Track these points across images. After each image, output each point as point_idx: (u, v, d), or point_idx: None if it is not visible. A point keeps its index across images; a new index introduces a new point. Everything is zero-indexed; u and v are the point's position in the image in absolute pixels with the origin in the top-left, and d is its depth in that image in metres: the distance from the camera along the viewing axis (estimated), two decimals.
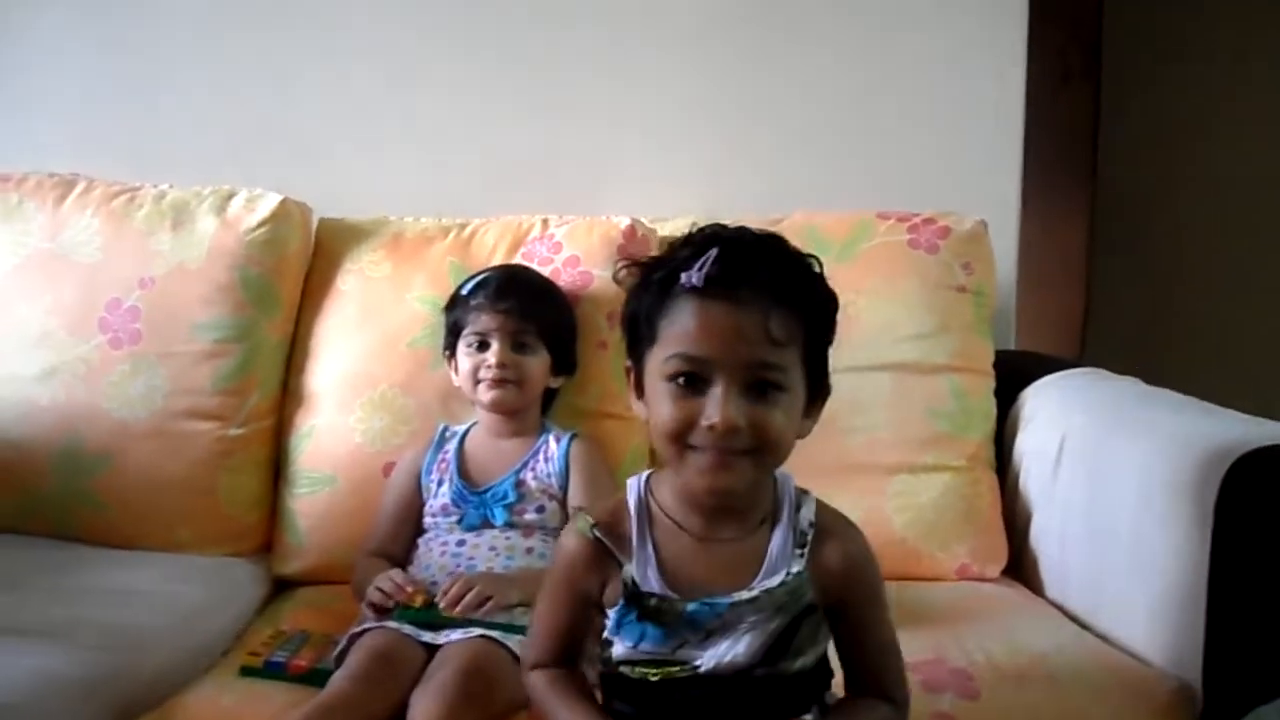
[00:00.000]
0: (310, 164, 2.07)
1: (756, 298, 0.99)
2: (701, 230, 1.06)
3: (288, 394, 1.77)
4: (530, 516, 1.52)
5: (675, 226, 1.83)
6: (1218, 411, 1.49)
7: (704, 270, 0.99)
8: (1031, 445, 1.73)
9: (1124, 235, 2.73)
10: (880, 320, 1.75)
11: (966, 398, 1.76)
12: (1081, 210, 2.48)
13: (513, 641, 1.31)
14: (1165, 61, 2.80)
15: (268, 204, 1.77)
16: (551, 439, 1.58)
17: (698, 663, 1.04)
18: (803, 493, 1.10)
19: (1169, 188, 2.82)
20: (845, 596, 1.07)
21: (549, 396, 1.65)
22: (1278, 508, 1.21)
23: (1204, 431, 1.37)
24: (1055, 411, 1.71)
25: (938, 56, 2.12)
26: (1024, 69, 2.12)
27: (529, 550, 1.50)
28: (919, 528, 1.67)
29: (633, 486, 1.11)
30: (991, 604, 1.57)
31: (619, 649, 1.06)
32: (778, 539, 1.07)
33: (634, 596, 1.05)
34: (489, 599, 1.34)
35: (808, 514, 1.08)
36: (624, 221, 1.79)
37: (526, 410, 1.60)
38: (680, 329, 1.01)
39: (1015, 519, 1.73)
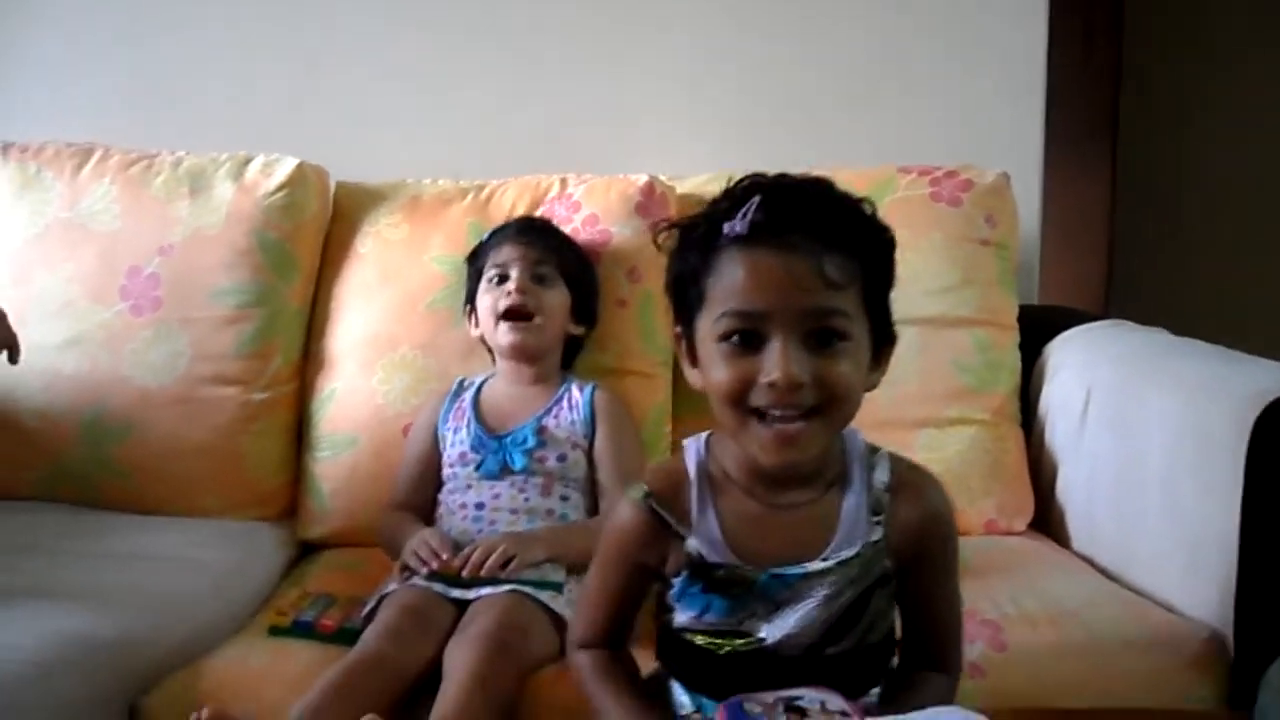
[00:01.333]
0: (327, 129, 2.06)
1: (807, 241, 0.92)
2: (740, 181, 0.99)
3: (309, 358, 1.77)
4: (551, 464, 1.51)
5: (694, 183, 1.82)
6: (1245, 359, 1.46)
7: (748, 217, 0.93)
8: (1057, 398, 1.72)
9: (1147, 189, 2.70)
10: (903, 274, 1.65)
11: (991, 351, 1.74)
12: (1104, 165, 2.45)
13: (545, 596, 1.31)
14: (1189, 17, 2.76)
15: (285, 168, 1.76)
16: (574, 388, 1.57)
17: (763, 635, 0.99)
18: (873, 450, 1.03)
19: (1192, 142, 2.79)
20: (919, 554, 1.01)
21: (569, 350, 1.64)
22: None
23: (1232, 379, 1.35)
24: (1081, 364, 1.69)
25: (960, 10, 2.09)
26: (1046, 23, 2.09)
27: (549, 512, 1.48)
28: (945, 482, 1.63)
29: (691, 449, 1.05)
30: (1019, 557, 1.56)
31: (680, 617, 1.02)
32: (850, 505, 1.00)
33: (699, 568, 0.99)
34: (512, 559, 1.34)
35: (882, 475, 1.01)
36: (642, 179, 1.78)
37: (546, 355, 1.59)
38: (729, 284, 0.94)
39: (1041, 473, 1.72)
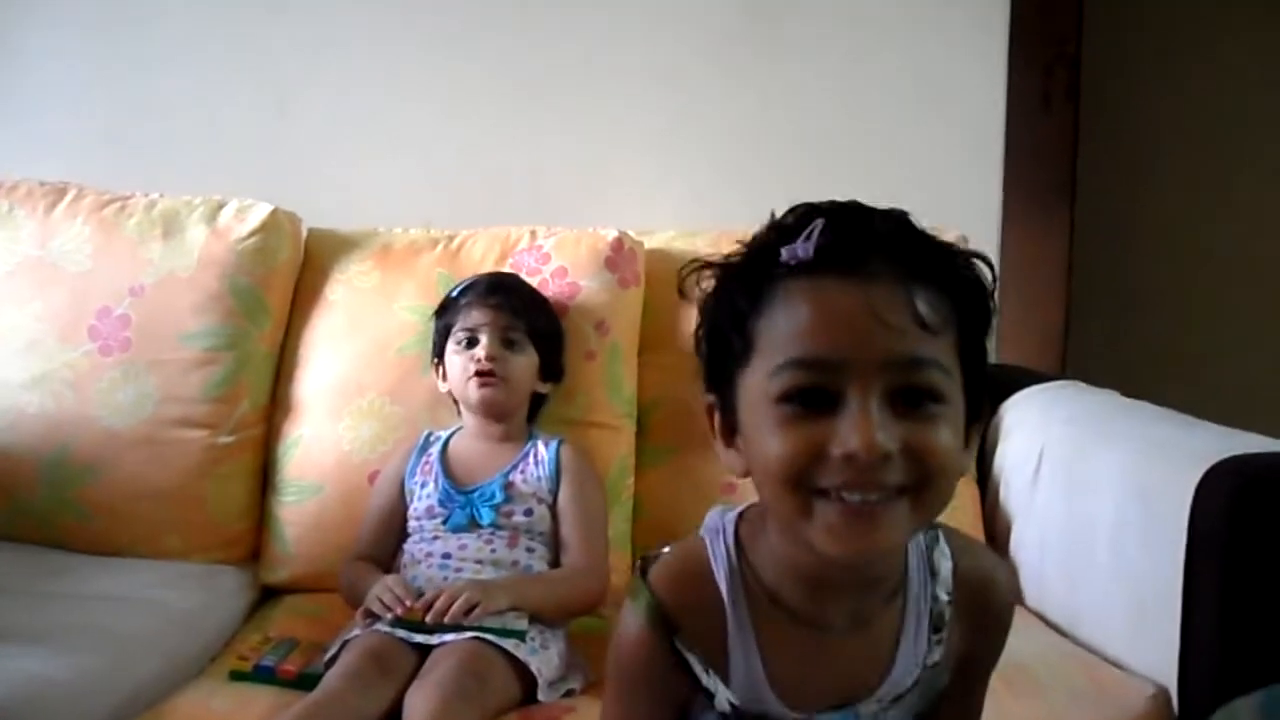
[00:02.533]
0: (300, 175, 2.08)
1: (891, 269, 0.72)
2: (794, 208, 0.78)
3: (276, 403, 1.77)
4: (518, 519, 1.52)
5: (662, 239, 1.86)
6: (1192, 422, 1.51)
7: (813, 240, 0.73)
8: (1012, 457, 1.75)
9: (1104, 251, 2.76)
10: None
11: None
12: (1062, 226, 2.52)
13: (508, 644, 1.32)
14: (1144, 81, 2.84)
15: (258, 214, 1.78)
16: (540, 443, 1.59)
17: None
18: (934, 540, 0.84)
19: (1149, 205, 2.86)
20: (968, 658, 0.84)
21: (535, 405, 1.66)
22: (1249, 515, 1.23)
23: (1178, 441, 1.40)
24: (1035, 423, 1.73)
25: (920, 73, 2.15)
26: (1004, 87, 2.15)
27: (514, 564, 1.50)
28: None
29: (718, 549, 0.81)
30: None
31: None
32: (910, 625, 0.81)
33: (733, 717, 0.81)
34: (476, 606, 1.34)
35: (945, 578, 0.82)
36: (612, 233, 1.81)
37: (514, 413, 1.61)
38: (789, 327, 0.73)
39: (996, 529, 1.75)
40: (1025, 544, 1.68)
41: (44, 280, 1.75)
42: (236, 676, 1.35)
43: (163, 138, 2.12)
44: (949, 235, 1.82)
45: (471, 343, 1.57)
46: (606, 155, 2.14)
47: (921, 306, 0.72)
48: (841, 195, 2.10)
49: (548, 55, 2.14)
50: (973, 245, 1.82)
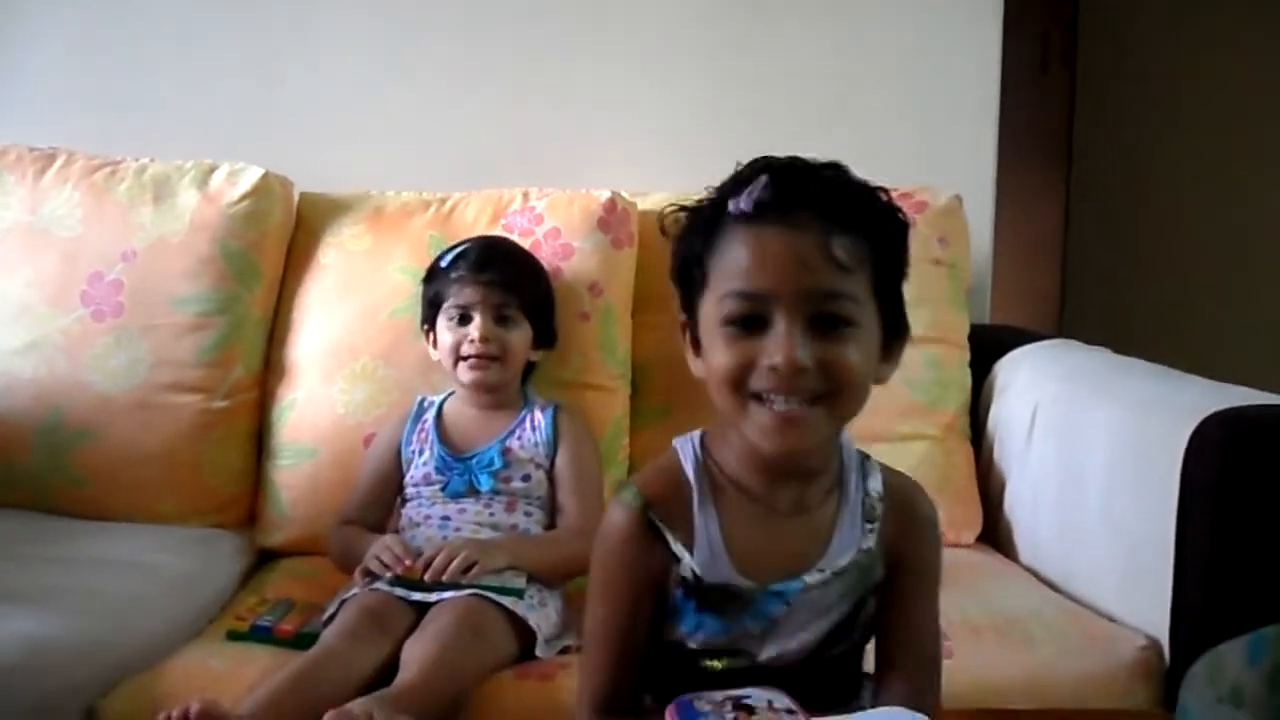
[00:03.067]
0: (292, 139, 2.06)
1: (815, 220, 0.88)
2: (750, 163, 0.94)
3: (270, 366, 1.77)
4: (516, 484, 1.53)
5: (655, 200, 1.85)
6: (1182, 378, 1.52)
7: (754, 195, 0.89)
8: (1005, 415, 1.76)
9: (1099, 212, 2.76)
10: None
11: (942, 369, 1.78)
12: (1057, 188, 2.51)
13: (506, 601, 1.32)
14: (1140, 43, 2.83)
15: (249, 178, 1.77)
16: (536, 409, 1.59)
17: (757, 653, 0.95)
18: (865, 457, 1.01)
19: (1142, 166, 2.86)
20: (907, 562, 0.98)
21: (528, 368, 1.65)
22: (1241, 467, 1.24)
23: (1169, 396, 1.41)
24: (1027, 382, 1.74)
25: (916, 33, 2.14)
26: (1000, 47, 2.14)
27: (513, 526, 1.50)
28: None
29: (685, 449, 0.98)
30: (967, 569, 1.60)
31: (675, 631, 0.96)
32: (846, 512, 0.97)
33: (695, 587, 0.94)
34: (474, 564, 1.35)
35: (875, 484, 0.98)
36: (604, 194, 1.80)
37: (508, 385, 1.60)
38: (732, 264, 0.90)
39: (990, 487, 1.76)
40: (1019, 501, 1.69)
41: (35, 246, 1.74)
42: (234, 636, 1.36)
43: (154, 102, 2.10)
44: (943, 197, 1.86)
45: (464, 319, 1.56)
46: (600, 117, 2.13)
47: (837, 250, 0.88)
48: (837, 157, 2.10)
49: (542, 18, 2.12)
50: (968, 206, 1.87)
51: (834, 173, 0.93)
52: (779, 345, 0.87)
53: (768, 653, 0.95)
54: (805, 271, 0.88)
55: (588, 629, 0.99)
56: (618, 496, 0.97)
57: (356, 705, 1.07)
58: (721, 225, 0.92)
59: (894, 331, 0.95)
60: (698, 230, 0.94)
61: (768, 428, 0.89)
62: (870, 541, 0.96)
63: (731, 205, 0.90)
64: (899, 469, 1.58)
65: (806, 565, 0.95)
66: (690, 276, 0.95)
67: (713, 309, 0.92)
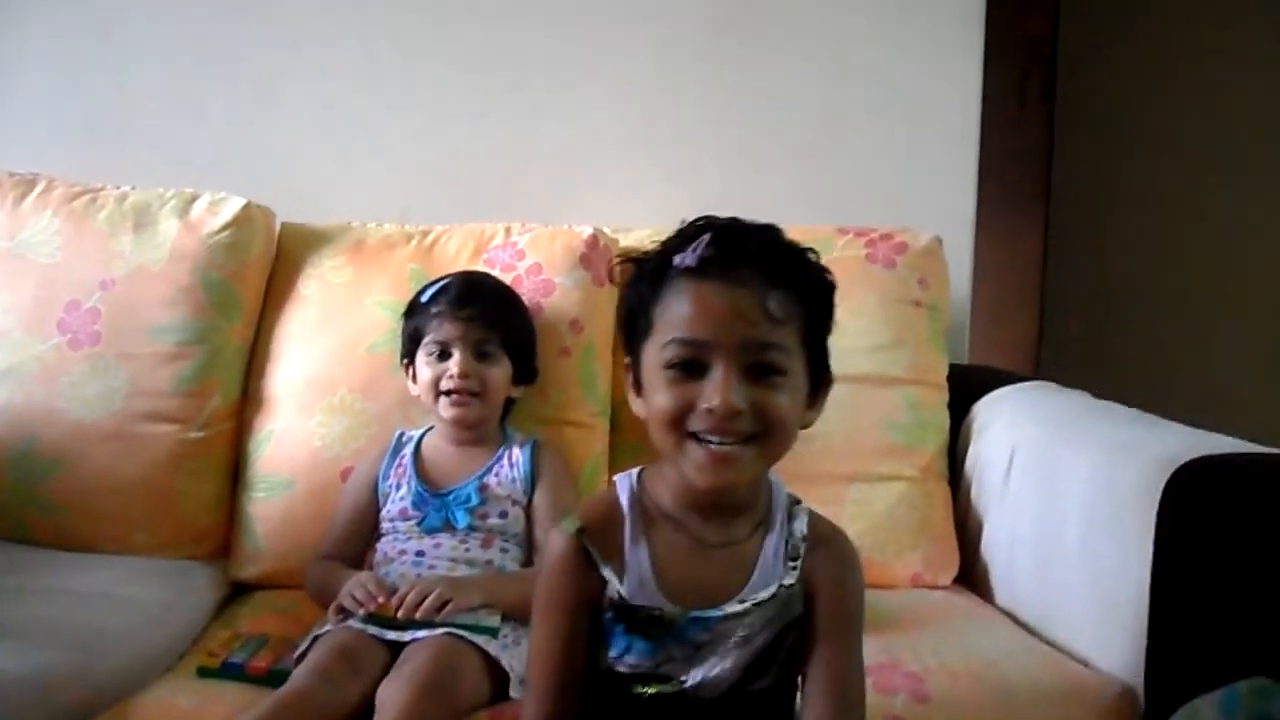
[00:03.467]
0: (274, 170, 2.07)
1: (753, 277, 0.97)
2: (694, 221, 1.03)
3: (248, 398, 1.76)
4: (493, 521, 1.52)
5: (637, 237, 1.85)
6: (1161, 424, 1.53)
7: (698, 252, 0.97)
8: (983, 457, 1.77)
9: (1077, 253, 2.78)
10: (838, 332, 1.75)
11: (921, 410, 1.79)
12: (1036, 230, 2.53)
13: (479, 640, 1.31)
14: (1119, 82, 2.87)
15: (231, 208, 1.77)
16: (515, 446, 1.58)
17: (683, 678, 1.01)
18: (795, 502, 1.07)
19: (1122, 206, 2.88)
20: (827, 606, 1.03)
21: (508, 405, 1.65)
22: (1217, 516, 1.24)
23: (1147, 442, 1.41)
24: (1006, 424, 1.74)
25: (896, 76, 2.16)
26: (980, 91, 2.16)
27: (488, 563, 1.49)
28: (874, 536, 1.70)
29: (623, 483, 1.07)
30: (943, 611, 1.60)
31: (608, 654, 1.02)
32: (770, 548, 1.03)
33: (621, 609, 1.01)
34: (448, 602, 1.34)
35: (800, 526, 1.05)
36: (586, 230, 1.81)
37: (487, 422, 1.60)
38: (675, 313, 0.98)
39: (967, 529, 1.76)
40: (996, 543, 1.69)
41: (12, 272, 1.73)
42: (205, 673, 1.34)
43: (136, 130, 2.10)
44: (923, 239, 1.88)
45: (444, 355, 1.55)
46: (583, 153, 2.14)
47: (772, 305, 0.97)
48: (818, 200, 2.13)
49: (525, 52, 2.13)
50: (947, 247, 1.89)
51: (771, 234, 1.02)
52: (716, 389, 0.95)
53: (693, 678, 1.01)
54: (743, 323, 0.96)
55: (529, 656, 1.05)
56: (561, 524, 1.05)
57: None
58: (667, 277, 0.99)
59: (819, 381, 1.03)
60: (645, 280, 1.02)
61: (703, 464, 0.97)
62: (791, 578, 1.03)
63: (677, 260, 0.98)
64: (877, 508, 1.64)
65: (729, 596, 1.02)
66: (636, 323, 1.03)
67: (656, 354, 0.99)
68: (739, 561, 1.03)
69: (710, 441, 0.96)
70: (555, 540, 1.04)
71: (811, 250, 1.03)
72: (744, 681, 1.02)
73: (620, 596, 1.01)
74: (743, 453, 0.97)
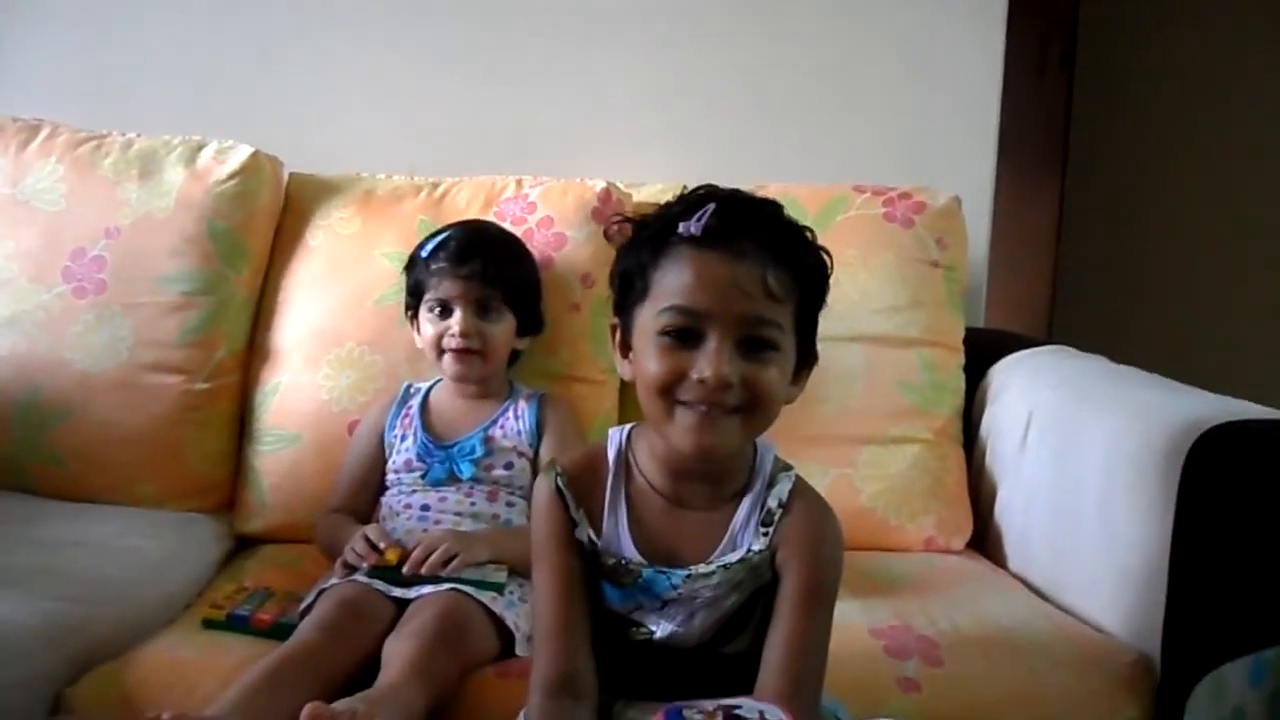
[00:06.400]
0: (283, 121, 2.03)
1: (756, 251, 0.97)
2: (696, 189, 1.03)
3: (254, 349, 1.74)
4: (498, 472, 1.50)
5: (650, 192, 1.83)
6: (1183, 389, 1.50)
7: (703, 221, 0.97)
8: (998, 421, 1.74)
9: (1094, 217, 2.75)
10: (854, 292, 1.75)
11: (936, 372, 1.76)
12: (1052, 194, 2.50)
13: (485, 597, 1.30)
14: (1138, 51, 2.83)
15: (238, 156, 1.74)
16: (521, 398, 1.57)
17: (653, 628, 1.04)
18: (782, 469, 1.07)
19: (1138, 172, 2.85)
20: (795, 572, 1.03)
21: (514, 355, 1.62)
22: (1241, 483, 1.22)
23: (1170, 407, 1.38)
24: (1023, 388, 1.72)
25: (918, 35, 2.12)
26: (1002, 53, 2.12)
27: (494, 516, 1.48)
28: (887, 499, 1.68)
29: (614, 438, 1.09)
30: (956, 575, 1.58)
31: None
32: (742, 512, 1.05)
33: (590, 556, 1.04)
34: (455, 556, 1.33)
35: (780, 492, 1.05)
36: (599, 184, 1.78)
37: (492, 376, 1.58)
38: (675, 280, 0.98)
39: (981, 493, 1.74)
40: (1011, 508, 1.67)
41: (16, 220, 1.71)
42: (209, 625, 1.33)
43: (145, 77, 2.07)
44: (942, 199, 1.85)
45: (445, 312, 1.53)
46: (597, 106, 2.10)
47: (771, 281, 0.97)
48: (835, 159, 2.10)
49: (539, 4, 2.09)
50: (967, 209, 1.85)
51: (773, 210, 1.03)
52: (709, 360, 0.96)
53: (661, 630, 1.04)
54: (742, 297, 0.97)
55: (533, 605, 1.08)
56: (543, 470, 1.09)
57: (341, 705, 1.04)
58: (669, 243, 0.99)
59: (805, 360, 1.05)
60: (645, 244, 1.02)
61: (690, 426, 0.98)
62: (761, 544, 1.03)
63: (681, 227, 0.98)
64: (890, 470, 1.62)
65: (700, 557, 1.04)
66: (631, 284, 1.03)
67: (651, 319, 1.00)
68: (713, 525, 1.05)
69: (698, 409, 0.97)
70: (539, 485, 1.08)
71: (809, 230, 1.04)
72: (716, 642, 1.04)
73: (590, 540, 1.04)
74: (729, 421, 0.98)
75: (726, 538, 1.04)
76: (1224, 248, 2.85)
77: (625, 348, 1.05)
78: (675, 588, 1.03)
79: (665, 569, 1.03)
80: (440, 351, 1.53)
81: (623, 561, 1.04)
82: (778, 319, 0.98)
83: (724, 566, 1.03)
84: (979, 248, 2.08)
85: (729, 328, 0.96)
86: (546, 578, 1.05)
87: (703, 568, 1.03)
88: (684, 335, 0.97)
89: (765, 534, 1.03)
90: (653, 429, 1.03)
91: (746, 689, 1.01)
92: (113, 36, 2.08)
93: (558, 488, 1.05)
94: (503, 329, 1.55)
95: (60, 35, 2.08)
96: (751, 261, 0.97)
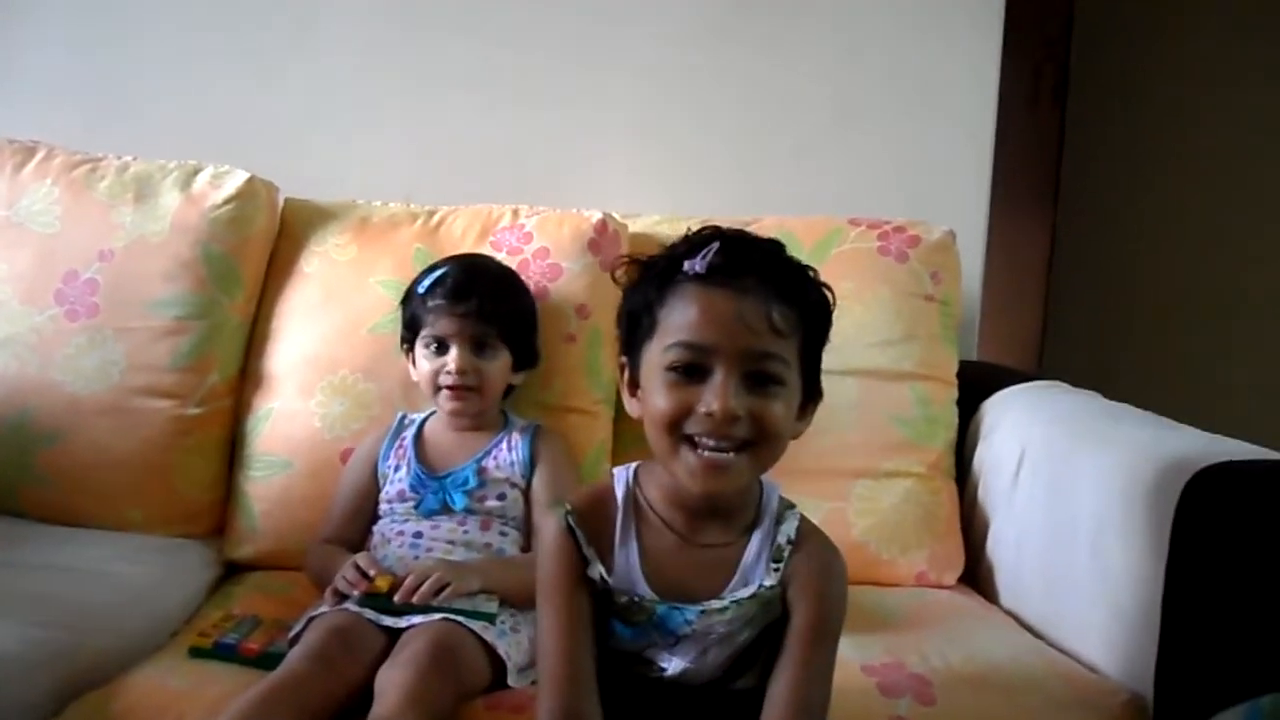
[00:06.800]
0: (279, 146, 2.03)
1: (759, 287, 0.99)
2: (701, 229, 1.06)
3: (247, 375, 1.73)
4: (491, 504, 1.50)
5: (646, 223, 1.83)
6: (1176, 427, 1.50)
7: (708, 258, 0.99)
8: (991, 456, 1.74)
9: (1086, 253, 2.76)
10: (848, 326, 1.74)
11: (930, 406, 1.76)
12: (1044, 228, 2.51)
13: (477, 626, 1.29)
14: (1130, 84, 2.85)
15: (234, 181, 1.74)
16: (515, 430, 1.56)
17: (664, 666, 1.04)
18: (787, 506, 1.09)
19: (1129, 207, 2.86)
20: (803, 609, 1.04)
21: (509, 388, 1.62)
22: (1234, 524, 1.22)
23: (1163, 446, 1.39)
24: (1016, 423, 1.72)
25: (913, 69, 2.13)
26: (997, 86, 2.13)
27: (487, 545, 1.47)
28: (879, 533, 1.68)
29: (620, 476, 1.10)
30: (948, 611, 1.58)
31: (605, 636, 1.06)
32: (753, 549, 1.06)
33: (603, 594, 1.04)
34: (446, 585, 1.32)
35: (788, 530, 1.07)
36: (595, 215, 1.78)
37: (487, 411, 1.58)
38: (681, 317, 1.00)
39: (973, 528, 1.74)
40: (1003, 543, 1.67)
41: (10, 241, 1.70)
42: (196, 654, 1.31)
43: (142, 100, 2.07)
44: (937, 233, 1.85)
45: (441, 349, 1.53)
46: (592, 137, 2.11)
47: (775, 316, 0.99)
48: (831, 191, 2.11)
49: (537, 33, 2.10)
50: (961, 243, 1.86)
51: (777, 248, 1.06)
52: (716, 394, 0.97)
53: (673, 667, 1.05)
54: (748, 332, 0.99)
55: (539, 647, 1.07)
56: (554, 509, 1.09)
57: None
58: (674, 281, 1.02)
59: (810, 395, 1.06)
60: (651, 282, 1.04)
61: (695, 471, 0.99)
62: (772, 579, 1.05)
63: (687, 265, 1.00)
64: (883, 504, 1.63)
65: (712, 593, 1.05)
66: (639, 323, 1.05)
67: (658, 355, 1.01)
68: (724, 561, 1.06)
69: (705, 447, 0.99)
70: (548, 522, 1.08)
71: (813, 269, 1.06)
72: (726, 679, 1.05)
73: (602, 578, 1.04)
74: (735, 461, 0.99)
75: (738, 574, 1.05)
76: (1217, 281, 2.86)
77: (634, 386, 1.07)
78: (689, 623, 1.03)
79: (679, 605, 1.04)
80: (436, 388, 1.53)
81: (635, 599, 1.04)
82: (783, 354, 1.00)
83: (737, 602, 1.04)
84: (973, 281, 2.09)
85: (735, 362, 0.98)
86: (554, 618, 1.05)
87: (716, 603, 1.04)
88: (691, 370, 0.99)
89: (776, 570, 1.05)
90: (662, 466, 1.04)
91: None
92: (109, 60, 2.08)
93: (569, 525, 1.05)
94: (498, 365, 1.55)
95: (57, 57, 2.08)
96: (756, 297, 0.99)
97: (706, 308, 0.99)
